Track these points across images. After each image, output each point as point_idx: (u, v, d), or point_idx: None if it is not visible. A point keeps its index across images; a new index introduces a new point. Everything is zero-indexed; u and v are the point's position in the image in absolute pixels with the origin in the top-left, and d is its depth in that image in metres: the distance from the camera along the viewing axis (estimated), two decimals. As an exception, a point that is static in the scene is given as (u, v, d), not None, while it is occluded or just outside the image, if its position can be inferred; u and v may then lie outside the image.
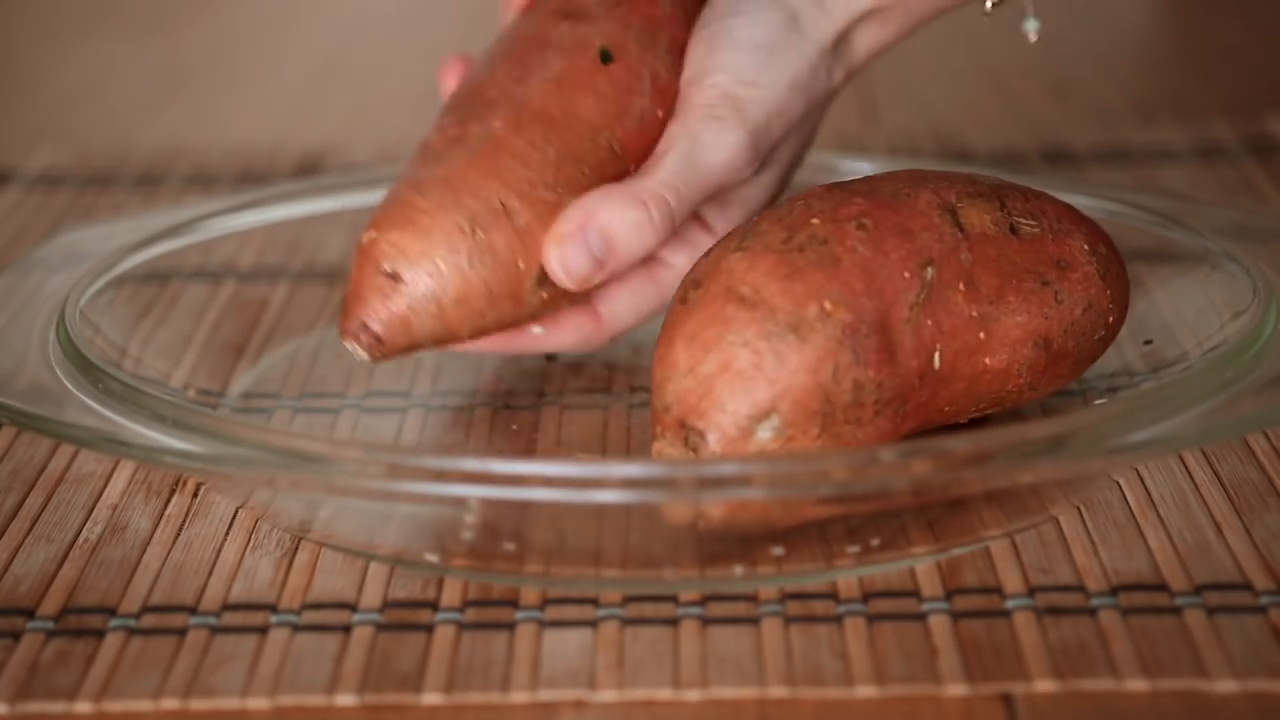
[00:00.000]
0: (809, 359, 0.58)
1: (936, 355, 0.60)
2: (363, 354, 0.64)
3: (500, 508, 0.57)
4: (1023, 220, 0.63)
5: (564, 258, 0.64)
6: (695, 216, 0.69)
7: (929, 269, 0.60)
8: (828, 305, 0.58)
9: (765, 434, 0.57)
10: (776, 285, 0.58)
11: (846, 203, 0.61)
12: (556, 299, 0.66)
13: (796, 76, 0.66)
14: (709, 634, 0.57)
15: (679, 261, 0.68)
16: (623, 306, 0.69)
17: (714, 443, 0.57)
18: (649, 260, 0.68)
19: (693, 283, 0.60)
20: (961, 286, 0.61)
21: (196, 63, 1.25)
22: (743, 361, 0.58)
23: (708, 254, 0.61)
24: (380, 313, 0.64)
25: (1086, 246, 0.64)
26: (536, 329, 0.68)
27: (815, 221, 0.60)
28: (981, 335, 0.61)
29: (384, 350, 0.65)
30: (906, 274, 0.60)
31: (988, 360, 0.62)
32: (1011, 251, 0.62)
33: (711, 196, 0.67)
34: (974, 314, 0.61)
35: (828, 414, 0.58)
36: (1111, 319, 0.65)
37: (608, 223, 0.64)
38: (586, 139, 0.66)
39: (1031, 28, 0.72)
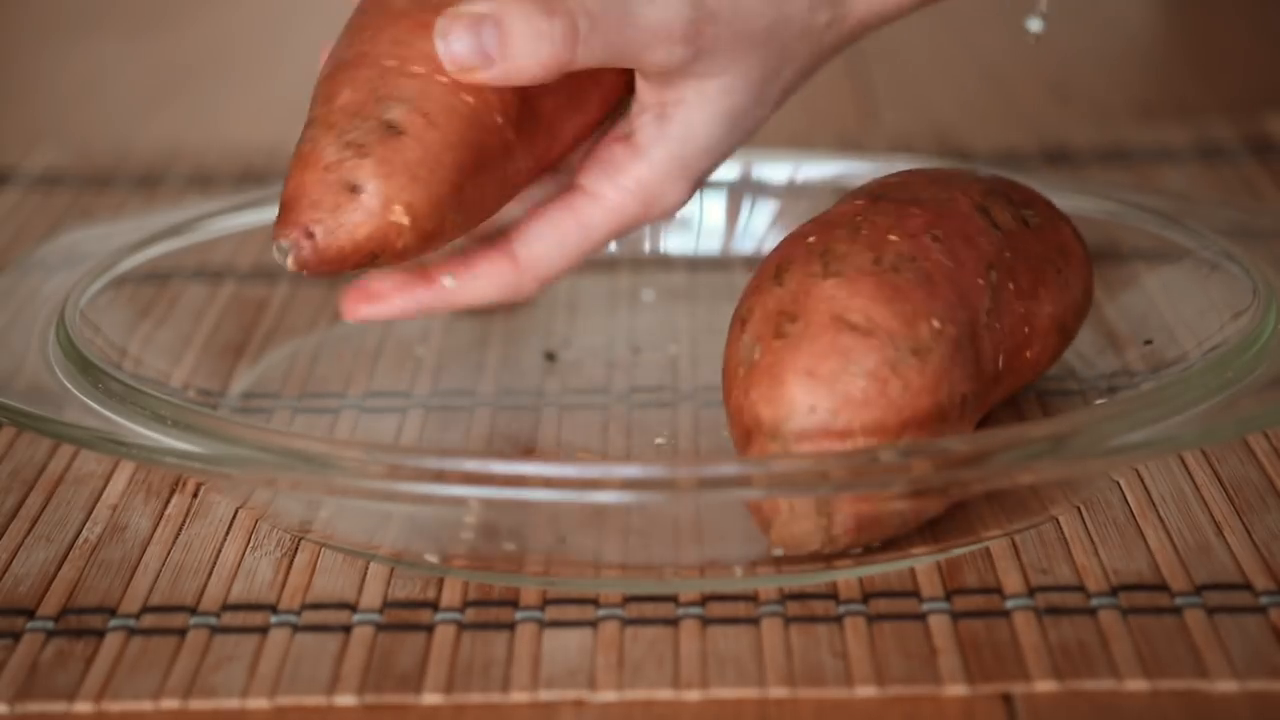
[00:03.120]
0: (929, 380, 0.57)
1: (1000, 358, 0.61)
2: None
3: (500, 508, 0.57)
4: (1026, 212, 0.64)
5: (451, 36, 0.58)
6: (625, 136, 0.63)
7: (993, 273, 0.61)
8: (936, 324, 0.58)
9: None
10: (885, 309, 0.58)
11: (905, 214, 0.61)
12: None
13: None
14: (709, 634, 0.57)
15: (603, 190, 0.63)
16: (541, 245, 0.63)
17: None
18: (567, 188, 0.63)
19: (787, 314, 0.58)
20: (1011, 286, 0.61)
21: (196, 63, 1.25)
22: (870, 392, 0.57)
23: (779, 281, 0.59)
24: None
25: (1070, 230, 0.66)
26: (448, 280, 0.63)
27: (894, 238, 0.60)
28: (1026, 330, 0.62)
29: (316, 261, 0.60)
30: (980, 281, 0.60)
31: (1028, 354, 0.63)
32: (1031, 244, 0.63)
33: (630, 61, 0.60)
34: (1021, 310, 0.62)
35: (940, 432, 0.58)
36: (1090, 300, 0.67)
37: (509, 21, 0.58)
38: None
39: (1034, 26, 0.69)
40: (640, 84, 0.62)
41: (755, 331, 0.59)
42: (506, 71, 0.58)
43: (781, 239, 0.62)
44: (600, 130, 0.64)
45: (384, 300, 0.63)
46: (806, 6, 0.62)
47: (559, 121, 0.63)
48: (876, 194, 0.62)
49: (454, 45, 0.58)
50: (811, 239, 0.60)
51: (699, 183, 0.64)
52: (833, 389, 0.57)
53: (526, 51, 0.58)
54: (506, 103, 0.60)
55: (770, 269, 0.60)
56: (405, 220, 0.59)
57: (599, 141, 0.64)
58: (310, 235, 0.59)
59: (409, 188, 0.59)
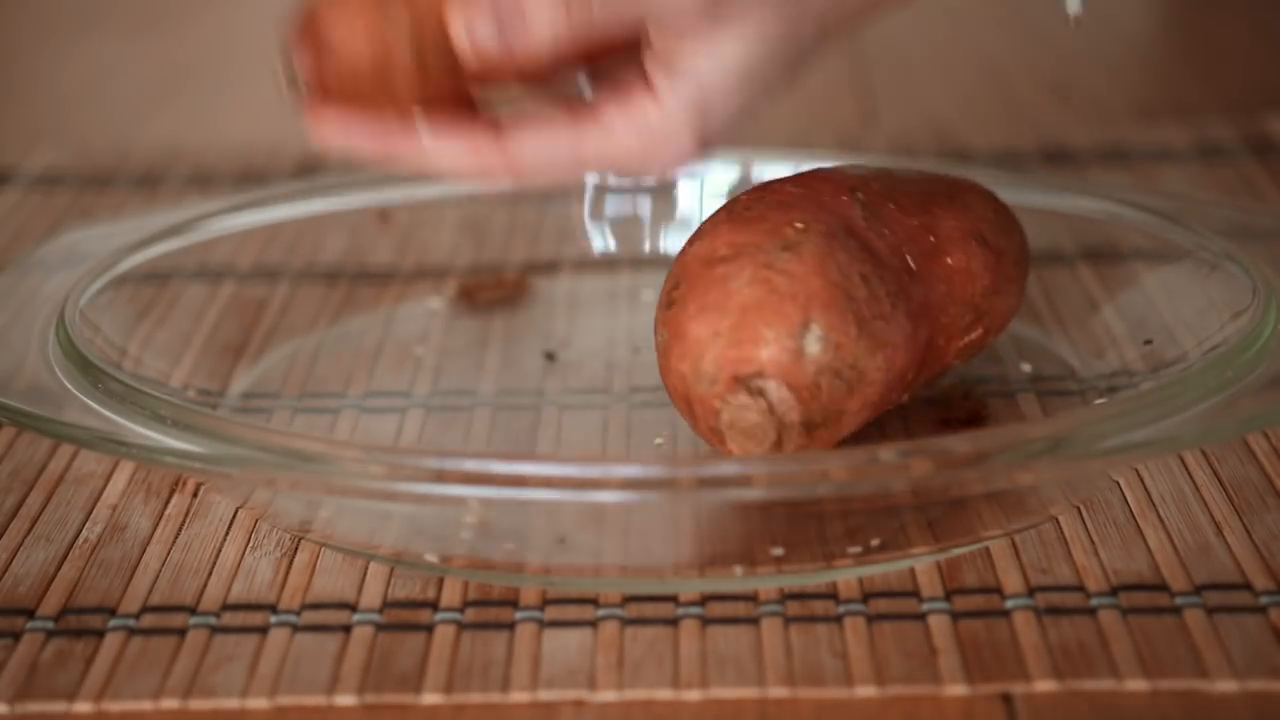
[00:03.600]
0: (811, 264, 0.59)
1: (908, 257, 0.62)
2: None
3: (500, 508, 0.57)
4: (897, 173, 0.67)
5: (474, 25, 0.59)
6: (642, 75, 0.62)
7: (858, 193, 0.63)
8: (799, 225, 0.60)
9: (814, 346, 0.58)
10: (744, 233, 0.60)
11: (758, 186, 0.64)
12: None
13: None
14: (709, 634, 0.57)
15: (613, 121, 0.62)
16: (531, 139, 0.62)
17: (773, 373, 0.58)
18: (576, 102, 0.63)
19: (671, 288, 0.61)
20: (891, 205, 0.63)
21: (196, 63, 1.25)
22: (759, 293, 0.59)
23: (667, 282, 0.62)
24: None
25: (952, 178, 0.68)
26: (422, 125, 0.62)
27: (744, 197, 0.63)
28: (931, 239, 0.64)
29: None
30: (844, 198, 0.62)
31: (949, 260, 0.64)
32: (909, 183, 0.66)
33: (647, 18, 0.60)
34: (914, 223, 0.64)
35: (856, 310, 0.59)
36: (1017, 228, 0.68)
37: (527, 2, 0.59)
38: None
39: (1073, 7, 0.69)
40: (653, 34, 0.62)
41: (659, 322, 0.61)
42: (528, 49, 0.59)
43: None
44: (627, 59, 0.64)
45: (353, 126, 0.62)
46: None
47: None
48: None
49: (478, 33, 0.59)
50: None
51: (707, 139, 0.63)
52: (724, 308, 0.59)
53: (545, 23, 0.59)
54: None
55: None
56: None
57: (625, 72, 0.63)
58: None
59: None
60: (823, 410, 0.59)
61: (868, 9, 0.64)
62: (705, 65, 0.61)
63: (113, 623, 0.58)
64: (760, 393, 0.58)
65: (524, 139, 0.62)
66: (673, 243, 0.82)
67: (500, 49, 0.59)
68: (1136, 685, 0.54)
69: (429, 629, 0.57)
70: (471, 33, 0.59)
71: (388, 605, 0.58)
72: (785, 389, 0.58)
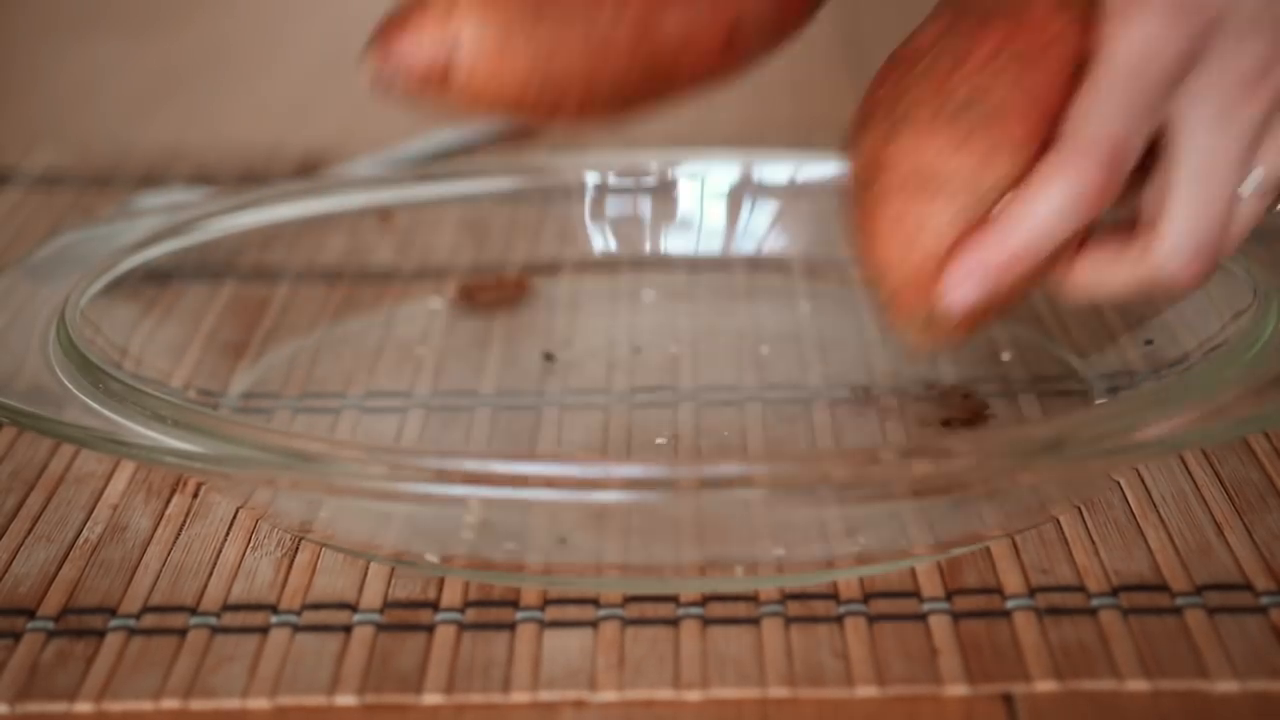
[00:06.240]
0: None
1: None
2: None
3: (501, 508, 0.57)
4: None
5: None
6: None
7: (1075, 68, 0.58)
8: (1008, 164, 0.57)
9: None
10: (955, 159, 0.58)
11: (984, 32, 0.59)
12: None
13: None
14: (709, 634, 0.57)
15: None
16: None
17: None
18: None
19: (861, 184, 0.59)
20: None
21: (196, 62, 1.25)
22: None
23: (858, 148, 0.60)
24: None
25: None
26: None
27: (958, 78, 0.58)
28: None
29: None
30: (1063, 79, 0.58)
31: None
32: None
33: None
34: None
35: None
36: None
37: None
38: None
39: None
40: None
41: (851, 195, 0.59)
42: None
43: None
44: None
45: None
46: None
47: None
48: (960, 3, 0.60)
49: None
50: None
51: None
52: (914, 244, 0.58)
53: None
54: None
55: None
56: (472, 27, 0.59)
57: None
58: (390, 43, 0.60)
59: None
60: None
61: None
62: None
63: (113, 623, 0.58)
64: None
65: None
66: (673, 243, 0.82)
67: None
68: (1137, 685, 0.54)
69: (429, 629, 0.57)
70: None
71: (388, 605, 0.59)
72: None
